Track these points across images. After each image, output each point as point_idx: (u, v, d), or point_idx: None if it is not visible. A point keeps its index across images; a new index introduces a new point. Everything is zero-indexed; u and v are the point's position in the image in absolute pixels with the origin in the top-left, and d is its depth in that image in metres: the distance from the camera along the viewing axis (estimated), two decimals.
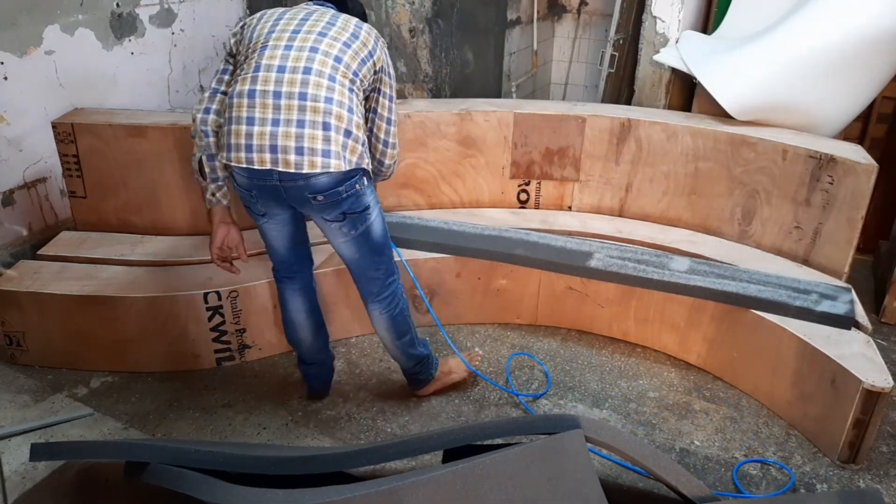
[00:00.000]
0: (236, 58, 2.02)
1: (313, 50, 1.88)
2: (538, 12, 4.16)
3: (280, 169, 1.84)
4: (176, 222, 2.80)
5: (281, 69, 1.86)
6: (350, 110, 1.90)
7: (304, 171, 1.84)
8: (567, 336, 2.78)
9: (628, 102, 3.23)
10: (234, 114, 1.88)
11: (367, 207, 1.99)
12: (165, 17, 3.31)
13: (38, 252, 2.66)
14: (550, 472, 1.54)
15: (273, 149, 1.83)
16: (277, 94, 1.84)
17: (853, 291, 2.46)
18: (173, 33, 3.37)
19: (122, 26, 3.13)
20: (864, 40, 2.48)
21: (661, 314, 2.63)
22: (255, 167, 1.85)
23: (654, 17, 3.00)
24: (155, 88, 3.35)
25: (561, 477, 1.55)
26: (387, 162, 2.19)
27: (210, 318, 2.47)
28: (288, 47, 1.89)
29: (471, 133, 2.91)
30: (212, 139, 2.01)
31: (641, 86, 3.14)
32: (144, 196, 2.75)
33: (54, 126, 2.66)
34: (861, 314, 2.37)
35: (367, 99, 2.06)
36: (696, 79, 2.82)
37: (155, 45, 3.29)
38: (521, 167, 2.99)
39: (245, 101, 1.86)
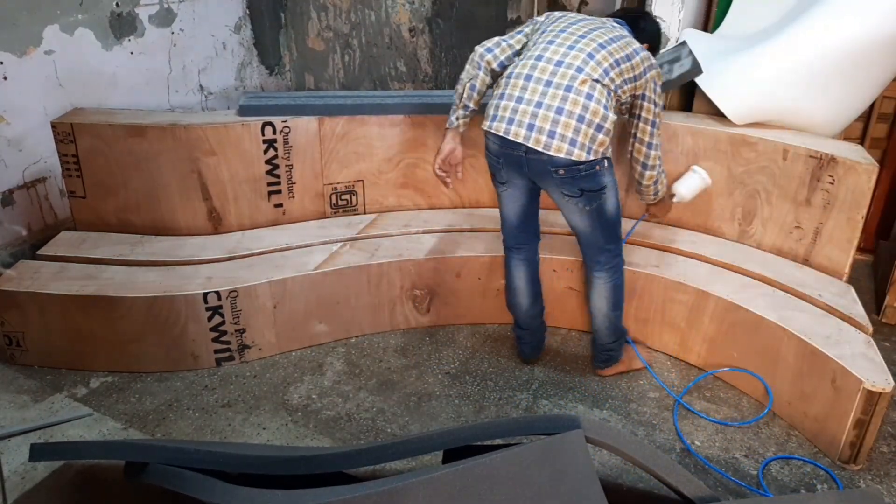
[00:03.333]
0: (528, 38, 2.32)
1: (590, 56, 2.14)
2: (538, 12, 4.15)
3: (530, 145, 2.10)
4: (176, 222, 2.80)
5: (558, 63, 2.14)
6: (606, 108, 2.12)
7: (550, 153, 2.08)
8: (567, 336, 2.78)
9: None
10: (507, 91, 2.18)
11: (604, 187, 2.19)
12: (165, 17, 3.30)
13: (38, 252, 2.66)
14: (550, 472, 1.54)
15: (530, 126, 2.10)
16: (548, 83, 2.12)
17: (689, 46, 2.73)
18: (173, 33, 3.36)
19: (122, 26, 3.12)
20: (866, 45, 2.48)
21: (661, 314, 2.62)
22: (510, 138, 2.13)
23: (654, 17, 2.99)
24: (155, 88, 3.35)
25: (561, 477, 1.54)
26: (644, 182, 2.41)
27: (210, 318, 2.47)
28: (571, 47, 2.16)
29: (470, 133, 2.90)
30: (481, 73, 2.31)
31: None
32: (144, 196, 2.75)
33: (54, 126, 2.66)
34: (861, 314, 2.38)
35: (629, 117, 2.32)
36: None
37: (154, 44, 3.29)
38: None
39: (521, 82, 2.16)
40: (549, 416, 2.26)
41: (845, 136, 2.89)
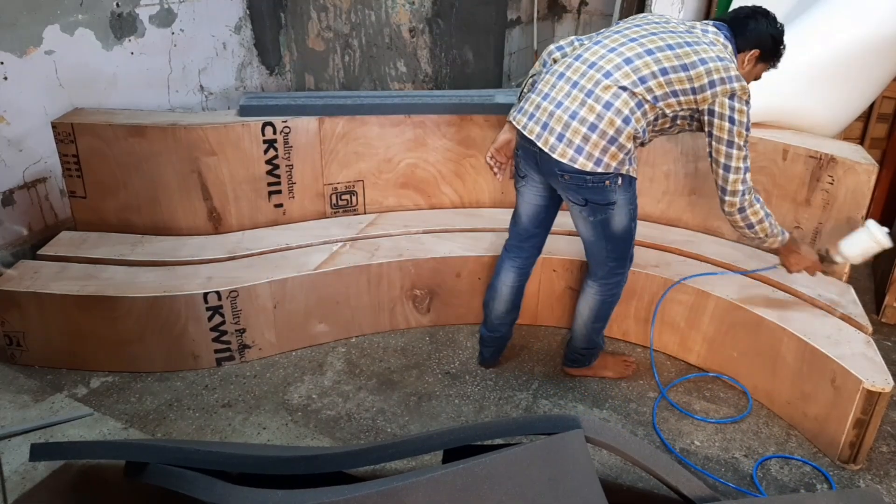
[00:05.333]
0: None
1: (627, 61, 2.01)
2: (538, 12, 4.16)
3: (539, 144, 2.06)
4: (176, 222, 2.80)
5: (592, 65, 2.05)
6: (627, 121, 1.99)
7: (555, 157, 2.03)
8: (567, 336, 2.78)
9: None
10: (539, 86, 2.13)
11: (612, 203, 2.10)
12: (165, 17, 3.30)
13: (38, 252, 2.66)
14: (550, 472, 1.54)
15: (544, 126, 2.05)
16: (575, 84, 2.04)
17: None
18: (173, 33, 3.36)
19: (122, 26, 3.12)
20: (865, 45, 2.48)
21: (661, 314, 2.62)
22: (525, 133, 2.10)
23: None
24: (155, 88, 3.35)
25: (561, 477, 1.54)
26: (726, 210, 2.13)
27: (210, 318, 2.47)
28: (612, 49, 2.06)
29: (471, 133, 2.91)
30: (544, 69, 2.21)
31: None
32: (144, 196, 2.75)
33: (54, 126, 2.66)
34: (861, 314, 2.38)
35: (672, 122, 2.10)
36: None
37: (155, 45, 3.29)
38: None
39: (553, 79, 2.10)
40: (549, 416, 2.26)
41: (845, 136, 2.89)
